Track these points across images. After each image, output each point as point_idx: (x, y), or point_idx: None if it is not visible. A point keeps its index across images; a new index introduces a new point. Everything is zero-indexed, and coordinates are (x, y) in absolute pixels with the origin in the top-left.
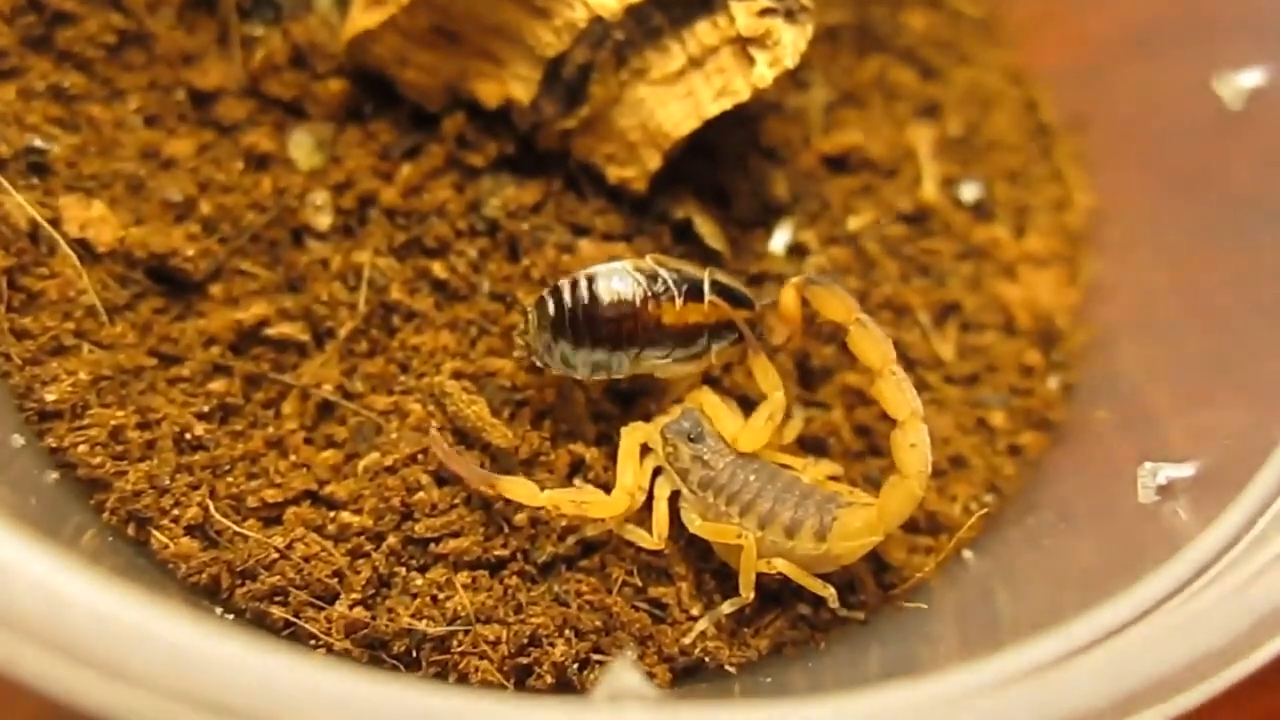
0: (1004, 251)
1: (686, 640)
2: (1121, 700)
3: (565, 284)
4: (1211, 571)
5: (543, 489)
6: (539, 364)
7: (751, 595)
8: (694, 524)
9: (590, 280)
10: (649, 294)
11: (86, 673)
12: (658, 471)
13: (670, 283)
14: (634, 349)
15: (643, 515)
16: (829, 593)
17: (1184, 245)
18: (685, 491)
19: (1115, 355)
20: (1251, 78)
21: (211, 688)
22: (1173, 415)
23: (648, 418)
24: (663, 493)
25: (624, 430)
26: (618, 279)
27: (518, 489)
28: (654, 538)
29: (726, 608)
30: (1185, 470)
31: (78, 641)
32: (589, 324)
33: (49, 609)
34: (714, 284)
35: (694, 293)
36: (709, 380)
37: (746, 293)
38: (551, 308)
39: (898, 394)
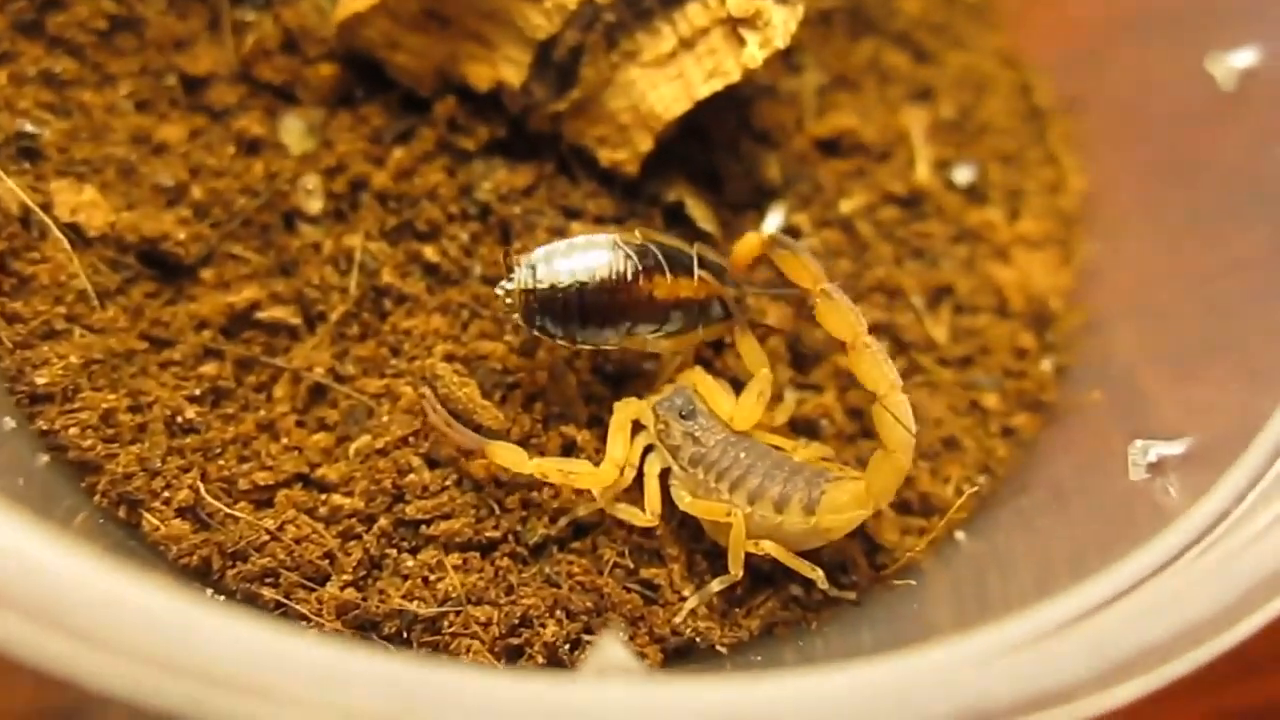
0: (997, 234)
1: (677, 619)
2: (1108, 671)
3: (547, 267)
4: (1200, 545)
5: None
6: (528, 330)
7: (741, 573)
8: (684, 501)
9: (576, 265)
10: (640, 268)
11: (76, 645)
12: (649, 449)
13: (660, 257)
14: (626, 323)
15: (634, 495)
16: (817, 575)
17: (1177, 227)
18: (676, 469)
19: (1109, 337)
20: (1244, 58)
21: (201, 658)
22: (1165, 395)
23: (640, 397)
24: (653, 470)
25: (616, 405)
26: (603, 255)
27: (506, 454)
28: (646, 514)
29: (716, 585)
30: (1176, 447)
31: (67, 616)
32: (579, 308)
33: (40, 586)
34: (701, 259)
35: (684, 267)
36: (701, 362)
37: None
38: (535, 295)
39: (873, 367)
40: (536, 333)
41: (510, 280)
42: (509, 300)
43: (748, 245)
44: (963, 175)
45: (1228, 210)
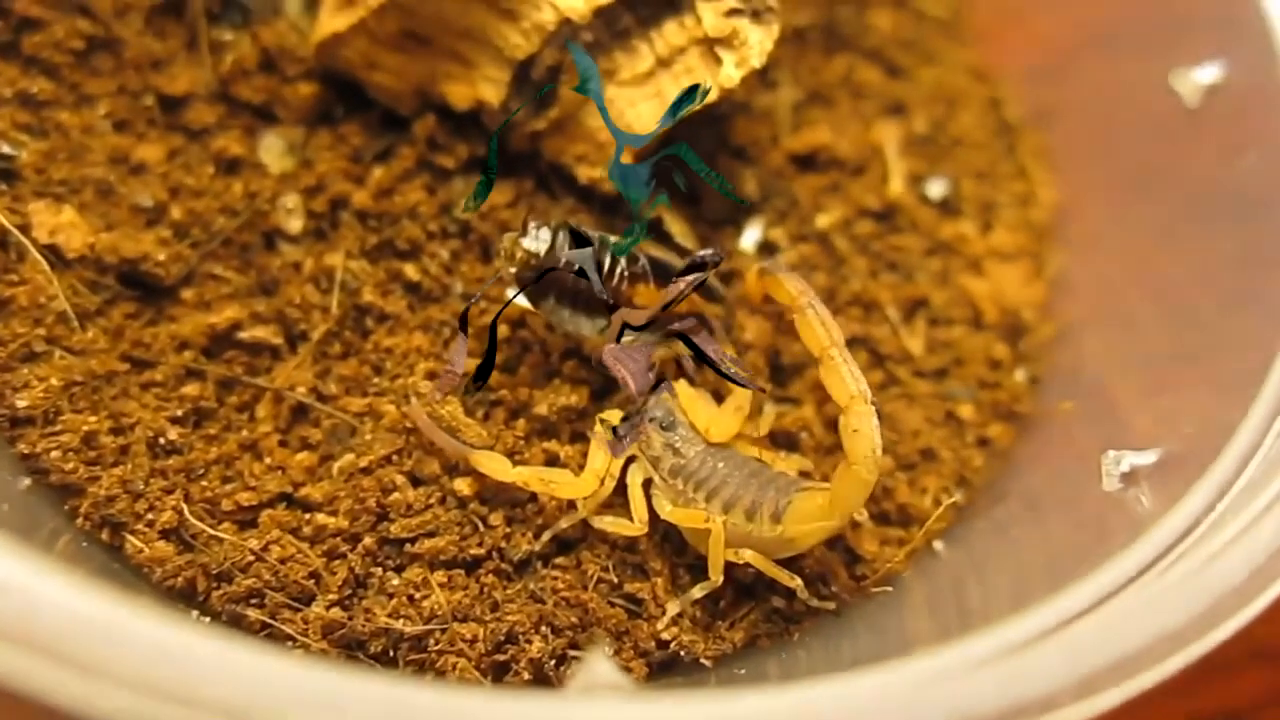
0: (970, 247)
1: (659, 626)
2: (1087, 679)
3: (562, 237)
4: (1172, 555)
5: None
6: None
7: (721, 579)
8: (665, 510)
9: (571, 246)
10: (624, 273)
11: (61, 672)
12: (631, 460)
13: (646, 265)
14: (603, 320)
15: (617, 509)
16: (796, 583)
17: (1146, 239)
18: (657, 479)
19: (1080, 347)
20: (1208, 74)
21: (188, 683)
22: (1136, 405)
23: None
24: (636, 480)
25: (598, 417)
26: (603, 252)
27: (490, 463)
28: (634, 522)
29: (697, 591)
30: (1148, 457)
31: (53, 642)
32: (569, 290)
33: (24, 611)
34: (686, 271)
35: (666, 278)
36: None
37: (716, 286)
38: (536, 261)
39: (838, 379)
40: (524, 296)
41: (524, 236)
42: (516, 253)
43: (753, 283)
44: (936, 189)
45: (1195, 222)
